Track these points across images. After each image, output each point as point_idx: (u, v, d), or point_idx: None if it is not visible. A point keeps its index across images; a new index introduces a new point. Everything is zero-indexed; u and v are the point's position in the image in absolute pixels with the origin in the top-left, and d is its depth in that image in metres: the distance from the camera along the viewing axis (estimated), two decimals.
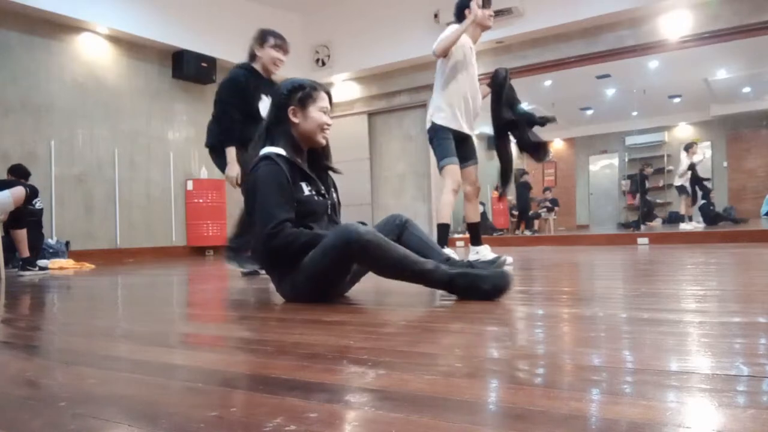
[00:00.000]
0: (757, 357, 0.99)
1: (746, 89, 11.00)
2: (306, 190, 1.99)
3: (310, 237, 1.86)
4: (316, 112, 2.03)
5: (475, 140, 4.07)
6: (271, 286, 2.71)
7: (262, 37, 3.33)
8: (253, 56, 3.35)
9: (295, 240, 1.85)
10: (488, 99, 3.97)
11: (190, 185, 6.85)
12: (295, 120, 2.02)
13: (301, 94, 2.02)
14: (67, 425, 0.71)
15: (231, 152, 3.28)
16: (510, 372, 0.94)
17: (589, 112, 12.89)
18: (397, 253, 1.78)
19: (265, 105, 3.22)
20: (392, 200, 8.01)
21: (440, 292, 2.07)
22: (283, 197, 1.89)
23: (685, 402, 0.74)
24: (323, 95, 2.07)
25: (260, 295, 2.38)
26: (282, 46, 3.36)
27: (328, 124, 2.07)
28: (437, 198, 7.54)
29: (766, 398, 0.76)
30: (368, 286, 2.28)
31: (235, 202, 7.28)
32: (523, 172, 10.71)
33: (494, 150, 4.11)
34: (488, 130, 13.14)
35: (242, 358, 1.14)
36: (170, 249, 6.67)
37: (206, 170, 7.03)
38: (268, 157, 1.95)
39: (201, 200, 6.83)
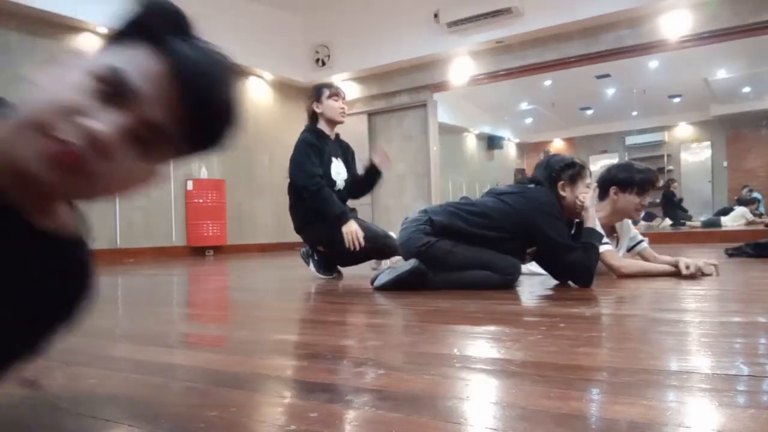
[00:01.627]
0: (757, 357, 0.99)
1: (746, 89, 10.99)
2: None
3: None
4: (583, 188, 2.26)
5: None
6: (270, 286, 2.71)
7: (317, 91, 3.10)
8: (314, 116, 3.08)
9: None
10: None
11: (190, 185, 6.84)
12: (563, 193, 2.23)
13: (572, 171, 2.26)
14: (67, 425, 0.71)
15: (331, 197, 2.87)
16: (510, 372, 0.94)
17: (589, 112, 12.89)
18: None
19: (336, 169, 3.03)
20: (392, 200, 8.01)
21: (441, 291, 2.07)
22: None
23: (685, 402, 0.74)
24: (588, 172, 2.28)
25: (260, 296, 2.38)
26: (338, 93, 3.11)
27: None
28: (437, 198, 7.55)
29: (766, 398, 0.76)
30: (367, 287, 2.28)
31: (235, 202, 7.29)
32: (522, 172, 10.71)
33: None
34: (489, 130, 13.06)
35: (242, 358, 1.14)
36: (170, 249, 6.67)
37: (206, 170, 7.04)
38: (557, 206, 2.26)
39: (201, 200, 6.83)
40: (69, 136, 0.49)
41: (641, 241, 2.72)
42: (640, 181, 2.53)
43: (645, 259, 2.64)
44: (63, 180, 0.50)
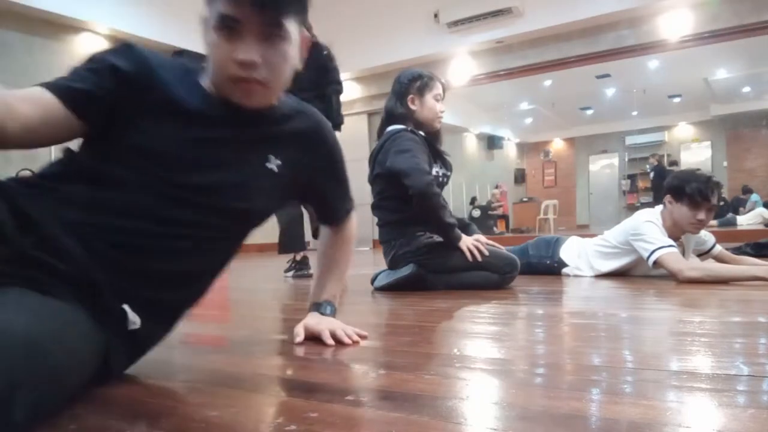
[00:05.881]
0: (757, 357, 0.99)
1: (746, 89, 11.00)
2: (434, 170, 2.20)
3: (446, 215, 2.10)
4: (431, 100, 2.23)
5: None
6: (270, 286, 2.71)
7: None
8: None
9: (440, 208, 2.08)
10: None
11: None
12: (413, 107, 2.23)
13: (420, 83, 2.23)
14: (67, 425, 0.71)
15: None
16: (510, 372, 0.94)
17: (589, 112, 12.89)
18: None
19: None
20: None
21: (441, 291, 2.08)
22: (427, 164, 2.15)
23: (685, 402, 0.74)
24: (438, 84, 2.25)
25: (260, 296, 2.38)
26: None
27: (442, 111, 2.27)
28: None
29: (766, 398, 0.76)
30: (366, 287, 2.28)
31: None
32: (522, 172, 10.70)
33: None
34: (489, 130, 13.09)
35: (242, 358, 1.14)
36: None
37: None
38: (406, 130, 2.18)
39: None
40: (242, 73, 0.88)
41: (715, 245, 2.49)
42: (690, 192, 2.20)
43: (722, 262, 2.43)
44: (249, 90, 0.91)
